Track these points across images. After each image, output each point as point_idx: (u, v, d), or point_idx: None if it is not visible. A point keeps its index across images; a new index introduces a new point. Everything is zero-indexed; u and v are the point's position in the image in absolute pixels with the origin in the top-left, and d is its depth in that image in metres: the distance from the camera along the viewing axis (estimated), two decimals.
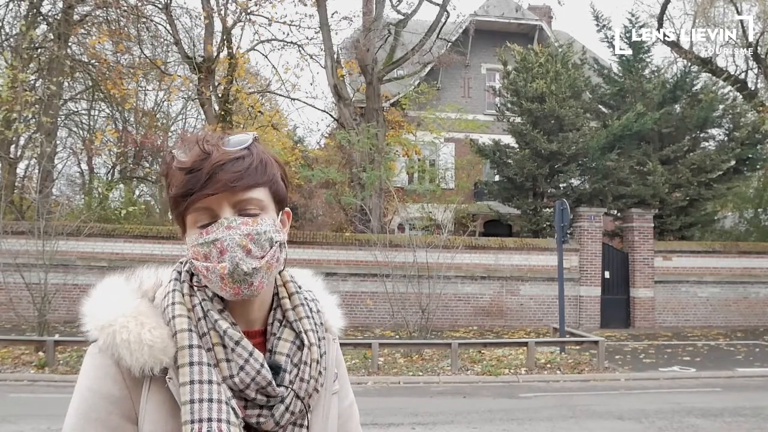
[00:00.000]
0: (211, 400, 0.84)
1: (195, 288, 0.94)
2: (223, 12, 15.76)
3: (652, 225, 15.21)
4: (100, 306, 0.91)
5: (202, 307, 0.91)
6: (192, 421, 0.83)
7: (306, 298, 1.03)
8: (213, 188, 0.87)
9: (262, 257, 0.90)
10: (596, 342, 9.76)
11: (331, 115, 20.99)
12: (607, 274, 15.04)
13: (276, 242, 0.93)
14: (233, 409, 0.86)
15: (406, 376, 9.06)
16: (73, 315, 0.95)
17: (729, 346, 12.09)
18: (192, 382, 0.84)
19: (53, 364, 8.74)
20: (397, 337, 11.62)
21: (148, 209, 20.64)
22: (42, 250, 10.12)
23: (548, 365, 9.76)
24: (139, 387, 0.87)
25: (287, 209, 1.02)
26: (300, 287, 1.04)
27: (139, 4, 15.51)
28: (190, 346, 0.87)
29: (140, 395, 0.87)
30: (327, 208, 21.99)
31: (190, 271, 0.97)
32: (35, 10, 15.56)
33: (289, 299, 1.01)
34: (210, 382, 0.85)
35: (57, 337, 9.40)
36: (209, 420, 0.83)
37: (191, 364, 0.85)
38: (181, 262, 0.99)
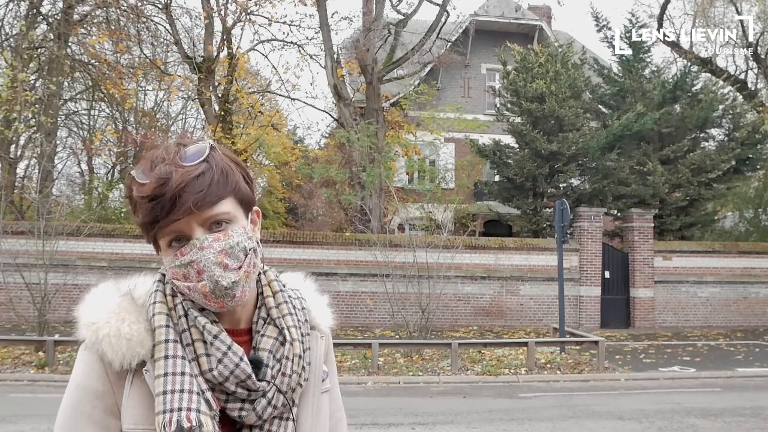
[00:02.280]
0: (182, 391, 0.86)
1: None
2: (223, 12, 15.76)
3: (652, 225, 15.22)
4: (88, 308, 0.95)
5: (183, 306, 0.94)
6: (164, 412, 0.85)
7: (290, 296, 1.05)
8: (178, 213, 0.88)
9: (239, 267, 0.92)
10: (596, 342, 9.76)
11: (331, 115, 21.00)
12: (607, 274, 15.04)
13: (249, 249, 0.94)
14: (207, 400, 0.89)
15: (406, 376, 9.06)
16: (74, 315, 0.97)
17: (729, 346, 12.09)
18: (166, 374, 0.87)
19: (53, 364, 8.74)
20: (397, 337, 11.62)
21: None
22: (42, 250, 10.12)
23: (548, 365, 9.76)
24: (122, 382, 0.91)
25: (256, 208, 1.02)
26: (284, 286, 1.07)
27: (139, 4, 15.50)
28: (167, 341, 0.90)
29: (123, 390, 0.91)
30: (327, 208, 22.01)
31: None
32: (35, 10, 15.56)
33: (273, 297, 1.03)
34: (183, 374, 0.88)
35: (57, 337, 9.39)
36: (179, 409, 0.85)
37: (166, 357, 0.89)
38: None
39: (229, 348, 0.91)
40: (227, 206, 0.93)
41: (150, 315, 0.93)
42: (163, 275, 0.99)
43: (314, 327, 1.09)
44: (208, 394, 0.89)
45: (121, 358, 0.89)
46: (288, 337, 0.99)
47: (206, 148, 0.93)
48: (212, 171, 0.91)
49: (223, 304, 0.91)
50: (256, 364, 0.94)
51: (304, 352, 1.00)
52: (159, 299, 0.95)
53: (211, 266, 0.89)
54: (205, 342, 0.91)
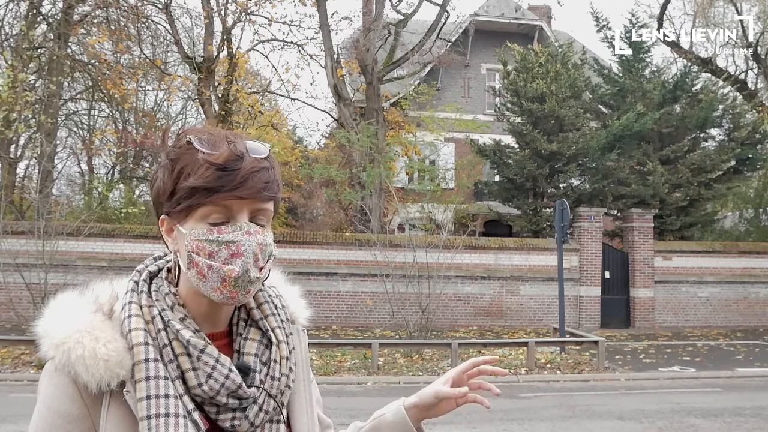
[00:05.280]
0: (168, 415, 0.82)
1: (154, 298, 0.92)
2: (223, 12, 15.76)
3: (652, 225, 15.22)
4: (54, 323, 0.89)
5: (162, 318, 0.89)
6: None
7: (270, 295, 1.03)
8: (246, 192, 0.87)
9: (262, 269, 0.91)
10: (596, 342, 9.76)
11: (331, 115, 21.00)
12: (607, 274, 15.04)
13: (273, 256, 0.94)
14: (194, 421, 0.85)
15: (406, 376, 9.06)
16: (36, 330, 0.93)
17: (729, 346, 12.09)
18: (149, 397, 0.83)
19: None
20: (397, 337, 11.62)
21: (148, 209, 20.64)
22: (42, 250, 10.13)
23: (548, 365, 9.77)
24: (98, 404, 0.86)
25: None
26: (263, 284, 1.03)
27: (139, 4, 15.51)
28: (147, 360, 0.85)
29: (99, 412, 0.86)
30: (327, 208, 22.01)
31: (148, 279, 0.95)
32: (35, 10, 15.56)
33: (253, 297, 1.00)
34: (167, 396, 0.84)
35: None
36: None
37: (147, 378, 0.84)
38: (139, 271, 0.97)
39: (217, 360, 0.88)
40: (271, 207, 0.93)
41: (126, 330, 0.87)
42: (136, 283, 0.94)
43: (294, 321, 1.07)
44: (195, 415, 0.85)
45: (98, 380, 0.83)
46: (274, 340, 0.97)
47: (267, 149, 0.94)
48: (273, 171, 0.93)
49: (236, 295, 0.88)
50: (244, 370, 0.91)
51: (290, 353, 0.98)
52: (134, 312, 0.89)
53: (249, 254, 0.88)
54: (190, 356, 0.87)
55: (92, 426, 0.86)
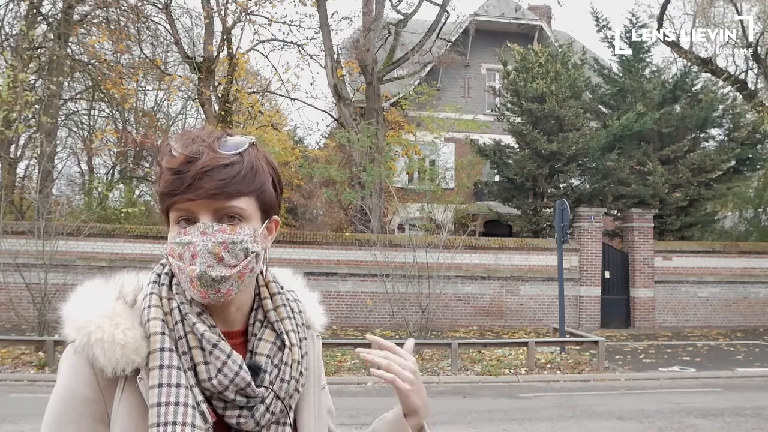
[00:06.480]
0: (177, 404, 0.84)
1: (174, 291, 0.94)
2: (223, 12, 15.77)
3: (652, 225, 15.22)
4: (78, 308, 0.91)
5: (180, 311, 0.91)
6: (157, 424, 0.83)
7: (288, 299, 1.04)
8: (194, 194, 0.88)
9: (234, 266, 0.90)
10: (596, 342, 9.76)
11: (331, 115, 21.01)
12: (607, 274, 15.04)
13: (252, 252, 0.92)
14: (202, 413, 0.86)
15: None
16: (60, 313, 0.96)
17: (729, 346, 12.09)
18: (160, 385, 0.85)
19: (53, 364, 8.73)
20: (397, 337, 11.62)
21: (148, 209, 20.65)
22: (42, 250, 10.13)
23: (548, 365, 9.76)
24: (112, 388, 0.88)
25: (275, 217, 1.00)
26: (282, 287, 1.05)
27: (139, 4, 15.52)
28: (162, 349, 0.87)
29: (113, 397, 0.88)
30: (327, 208, 22.02)
31: (170, 273, 0.96)
32: (35, 10, 15.57)
33: (271, 300, 1.01)
34: (178, 385, 0.85)
35: (57, 337, 9.36)
36: (174, 423, 0.83)
37: (161, 367, 0.86)
38: (162, 264, 0.99)
39: (229, 356, 0.89)
40: (245, 204, 0.91)
41: (144, 320, 0.90)
42: (158, 276, 0.96)
43: (310, 326, 1.08)
44: (204, 407, 0.87)
45: (114, 364, 0.86)
46: (287, 342, 0.97)
47: (245, 143, 0.93)
48: (242, 165, 0.91)
49: (205, 294, 0.88)
50: (255, 370, 0.92)
51: (302, 357, 0.99)
52: (154, 303, 0.92)
53: (205, 254, 0.87)
54: (203, 349, 0.89)
55: (105, 410, 0.88)
